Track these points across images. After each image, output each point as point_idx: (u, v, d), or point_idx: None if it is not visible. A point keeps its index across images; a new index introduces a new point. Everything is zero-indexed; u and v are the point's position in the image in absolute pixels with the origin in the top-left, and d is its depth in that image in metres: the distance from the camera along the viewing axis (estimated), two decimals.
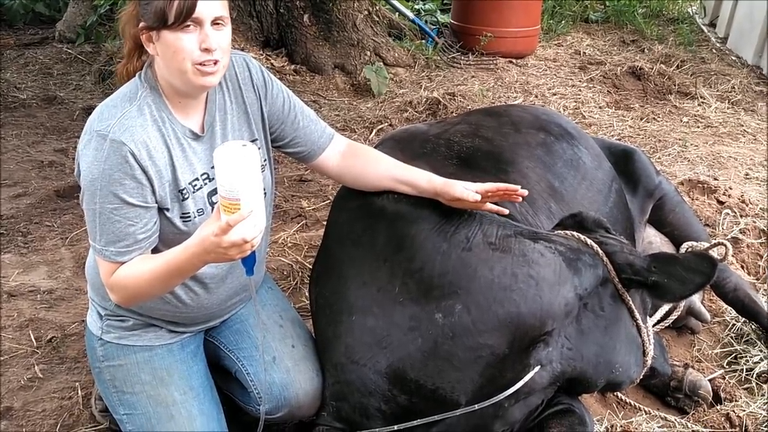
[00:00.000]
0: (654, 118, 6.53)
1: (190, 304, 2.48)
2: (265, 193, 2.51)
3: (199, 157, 2.31)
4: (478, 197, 2.35)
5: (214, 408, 2.53)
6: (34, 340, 3.38)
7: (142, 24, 2.14)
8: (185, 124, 2.29)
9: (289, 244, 4.27)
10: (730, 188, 4.79)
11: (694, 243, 3.35)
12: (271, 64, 7.09)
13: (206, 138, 2.33)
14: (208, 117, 2.35)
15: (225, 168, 1.91)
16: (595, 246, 2.38)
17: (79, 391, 3.03)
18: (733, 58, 8.22)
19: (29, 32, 8.81)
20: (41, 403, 3.00)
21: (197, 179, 2.31)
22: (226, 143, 2.02)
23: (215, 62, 2.14)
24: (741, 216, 4.46)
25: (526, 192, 2.42)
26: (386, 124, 6.15)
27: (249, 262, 2.10)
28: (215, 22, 2.12)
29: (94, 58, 7.53)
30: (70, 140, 5.72)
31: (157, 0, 2.07)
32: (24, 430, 2.86)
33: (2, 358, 3.25)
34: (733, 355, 3.40)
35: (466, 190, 2.36)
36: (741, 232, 4.27)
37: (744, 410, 2.98)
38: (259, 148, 2.47)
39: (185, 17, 2.06)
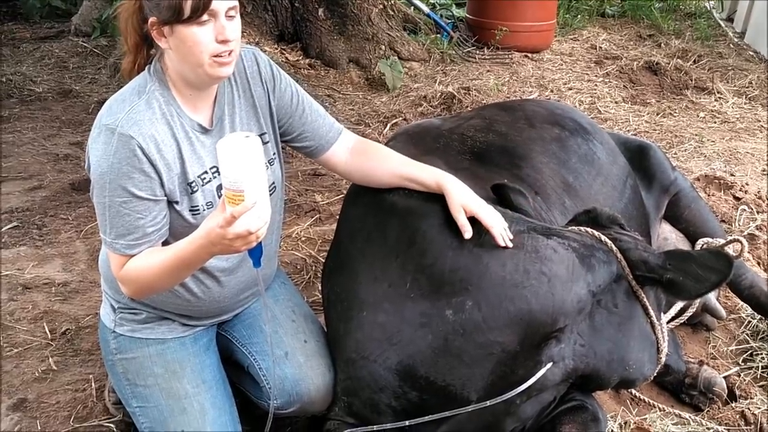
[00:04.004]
0: (670, 114, 6.50)
1: (202, 297, 2.48)
2: (275, 187, 2.52)
3: (207, 150, 2.31)
4: (468, 234, 2.29)
5: (226, 401, 2.54)
6: (48, 332, 3.39)
7: (153, 19, 2.12)
8: (194, 118, 2.29)
9: (303, 238, 4.27)
10: (747, 184, 4.77)
11: (710, 239, 3.33)
12: (286, 58, 7.09)
13: (215, 132, 2.33)
14: (217, 110, 2.35)
15: (228, 160, 1.91)
16: (609, 242, 2.36)
17: (93, 384, 3.05)
18: (751, 53, 8.18)
19: (45, 26, 8.86)
20: (55, 395, 3.01)
21: (206, 172, 2.31)
22: (228, 135, 2.02)
23: (230, 52, 2.14)
24: (757, 212, 4.44)
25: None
26: (400, 118, 6.15)
27: (255, 253, 2.10)
28: (228, 13, 2.12)
29: (109, 52, 7.56)
30: (85, 133, 5.72)
31: None
32: (38, 421, 2.87)
33: (17, 350, 3.27)
34: (749, 352, 3.39)
35: (459, 214, 2.31)
36: (757, 229, 4.25)
37: (759, 408, 2.96)
38: (267, 142, 2.47)
39: (202, 11, 2.06)
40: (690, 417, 2.96)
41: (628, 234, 2.47)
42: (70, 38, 8.21)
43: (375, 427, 2.39)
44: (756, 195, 4.61)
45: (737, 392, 3.12)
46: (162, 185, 2.21)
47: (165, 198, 2.24)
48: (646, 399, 3.00)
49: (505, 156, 2.90)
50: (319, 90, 6.68)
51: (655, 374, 2.59)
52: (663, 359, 2.52)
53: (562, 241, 2.32)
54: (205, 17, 2.07)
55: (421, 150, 2.74)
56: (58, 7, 9.18)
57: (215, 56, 2.12)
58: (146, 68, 2.28)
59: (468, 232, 2.29)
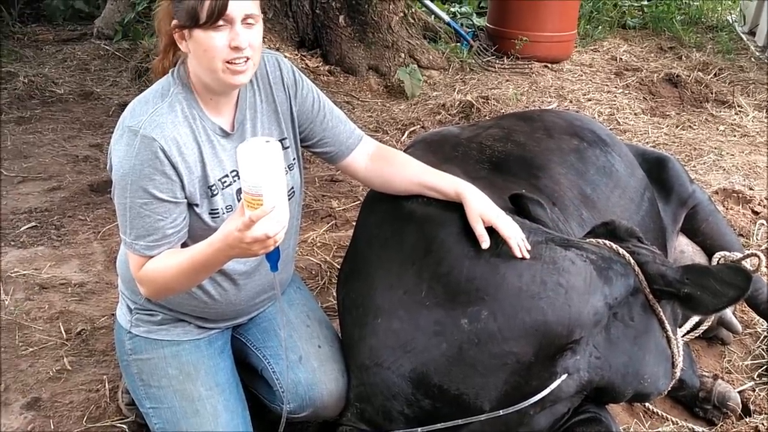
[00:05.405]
0: (690, 126, 6.46)
1: (218, 299, 2.49)
2: (294, 192, 2.53)
3: (228, 154, 2.32)
4: (485, 244, 2.29)
5: (239, 405, 2.54)
6: (63, 332, 3.41)
7: (174, 22, 2.16)
8: (216, 122, 2.31)
9: (318, 244, 4.28)
10: (766, 198, 4.74)
11: (727, 253, 3.30)
12: (306, 64, 7.12)
13: (236, 136, 2.35)
14: (239, 115, 2.36)
15: (248, 164, 1.91)
16: (627, 255, 2.35)
17: (107, 384, 3.06)
18: None
19: (68, 28, 8.92)
20: (69, 394, 3.03)
21: (226, 176, 2.33)
22: (249, 139, 2.03)
23: (246, 60, 2.15)
24: None
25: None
26: (418, 126, 6.15)
27: (273, 257, 2.11)
28: (246, 21, 2.13)
29: (131, 55, 7.61)
30: (105, 135, 5.77)
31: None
32: (51, 421, 2.89)
33: (32, 350, 3.29)
34: (764, 367, 3.36)
35: (477, 223, 2.31)
36: None
37: None
38: (287, 147, 2.48)
39: (217, 17, 2.08)
40: (703, 431, 2.94)
41: (646, 247, 2.46)
42: (92, 41, 8.28)
43: None
44: None
45: (751, 407, 3.09)
46: (183, 188, 2.23)
47: (185, 200, 2.26)
48: (660, 412, 2.98)
49: (523, 166, 2.90)
50: (337, 96, 6.70)
51: (670, 389, 2.58)
52: (678, 375, 2.51)
53: (579, 253, 2.31)
54: (221, 23, 2.10)
55: (439, 158, 2.74)
56: (81, 10, 9.25)
57: (228, 62, 2.14)
58: (170, 72, 2.30)
59: (485, 241, 2.29)
